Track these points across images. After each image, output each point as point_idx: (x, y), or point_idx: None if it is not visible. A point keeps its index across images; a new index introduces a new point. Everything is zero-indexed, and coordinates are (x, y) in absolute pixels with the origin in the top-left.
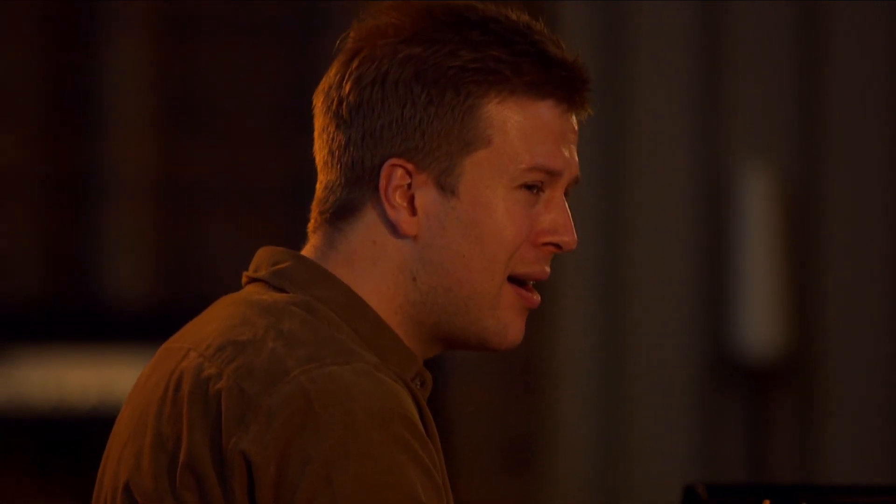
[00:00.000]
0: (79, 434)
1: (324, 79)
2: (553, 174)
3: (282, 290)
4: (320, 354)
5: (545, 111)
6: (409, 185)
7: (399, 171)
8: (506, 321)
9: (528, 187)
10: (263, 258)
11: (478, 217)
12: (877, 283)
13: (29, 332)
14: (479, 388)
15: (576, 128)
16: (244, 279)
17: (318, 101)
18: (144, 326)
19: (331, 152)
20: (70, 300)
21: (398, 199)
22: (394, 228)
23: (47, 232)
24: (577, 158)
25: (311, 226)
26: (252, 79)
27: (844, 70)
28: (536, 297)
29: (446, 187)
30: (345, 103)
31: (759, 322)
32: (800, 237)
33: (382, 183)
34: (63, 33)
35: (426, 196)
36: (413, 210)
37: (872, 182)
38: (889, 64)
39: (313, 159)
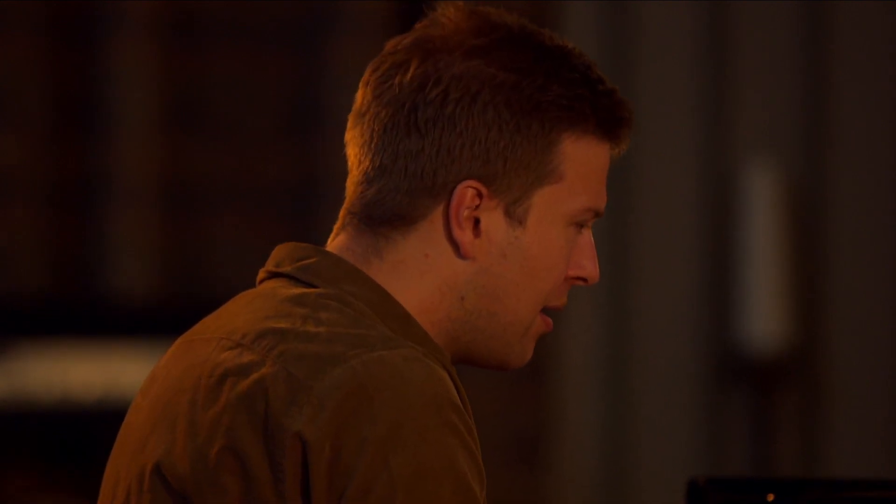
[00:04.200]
0: (83, 429)
1: (382, 72)
2: (598, 216)
3: (310, 285)
4: (368, 340)
5: (602, 153)
6: (477, 207)
7: (472, 193)
8: (528, 346)
9: (577, 225)
10: (285, 254)
11: (538, 251)
12: (881, 279)
13: (34, 327)
14: (486, 383)
15: None
16: (262, 275)
17: (377, 95)
18: (149, 323)
19: (394, 156)
20: (75, 296)
21: (465, 219)
22: (454, 247)
23: (52, 230)
24: None
25: (339, 224)
26: (257, 80)
27: (849, 67)
28: (551, 322)
29: (515, 217)
30: (422, 111)
31: (764, 318)
32: (804, 233)
33: (455, 202)
34: (68, 34)
35: (493, 222)
36: (476, 233)
37: (877, 178)
38: (894, 61)
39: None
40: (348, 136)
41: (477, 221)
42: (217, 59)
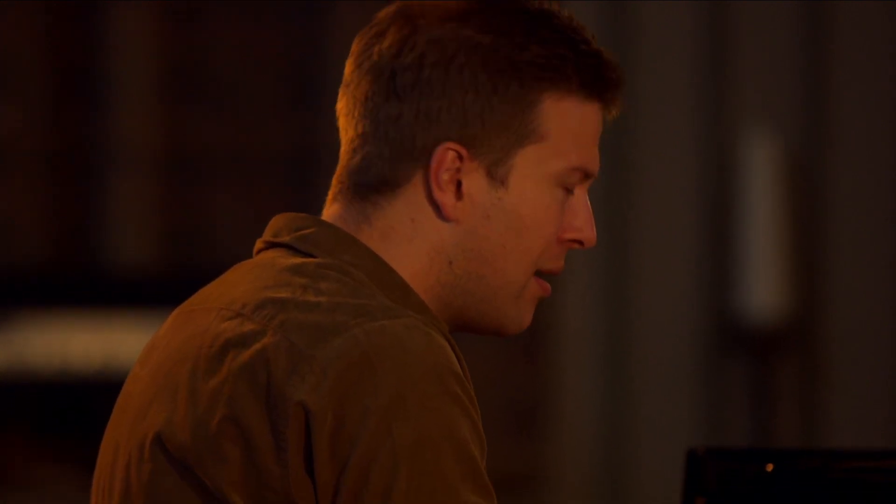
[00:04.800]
0: (82, 398)
1: (363, 38)
2: (590, 176)
3: (308, 255)
4: (369, 310)
5: (591, 113)
6: (458, 170)
7: (451, 155)
8: (525, 310)
9: (565, 185)
10: (283, 224)
11: (522, 211)
12: (881, 250)
13: (33, 298)
14: (485, 353)
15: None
16: (259, 245)
17: (359, 63)
18: (149, 293)
19: (376, 123)
20: (74, 267)
21: (446, 182)
22: (437, 210)
23: (52, 200)
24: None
25: (332, 193)
26: (257, 50)
27: (849, 39)
28: (549, 286)
29: (496, 177)
30: (399, 77)
31: (764, 289)
32: (804, 204)
33: (434, 164)
34: (67, 3)
35: (474, 183)
36: (459, 195)
37: (876, 150)
38: (894, 33)
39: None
40: (338, 107)
41: (459, 184)
42: (217, 29)
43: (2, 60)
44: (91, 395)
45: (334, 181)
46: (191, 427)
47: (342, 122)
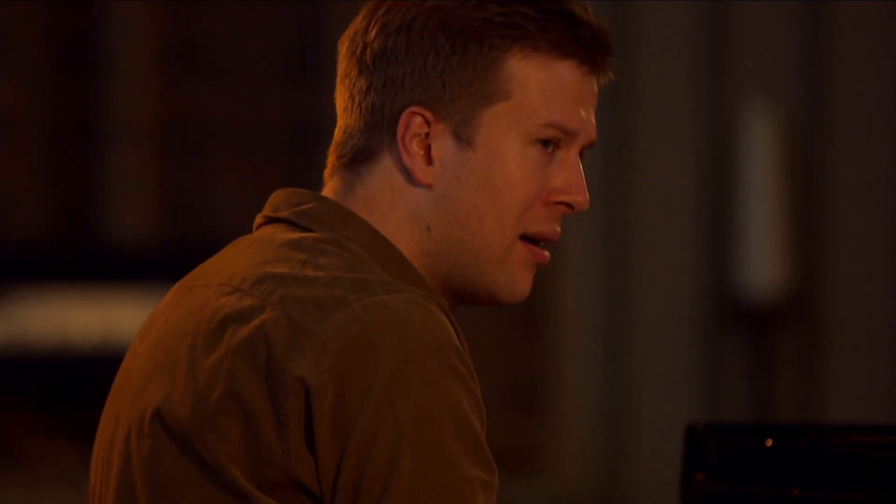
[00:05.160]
0: (81, 373)
1: (350, 26)
2: (569, 134)
3: (307, 230)
4: (368, 284)
5: (566, 71)
6: (427, 135)
7: (418, 120)
8: (514, 276)
9: (543, 144)
10: (282, 199)
11: (491, 170)
12: (880, 224)
13: (33, 272)
14: (484, 328)
15: (595, 91)
16: (259, 220)
17: (343, 48)
18: (148, 267)
19: (351, 97)
20: (74, 241)
21: (415, 147)
22: (409, 176)
23: (51, 174)
24: (594, 122)
25: (328, 171)
26: (257, 23)
27: (848, 12)
28: (546, 254)
29: (463, 138)
30: (369, 49)
31: (764, 262)
32: (803, 178)
33: (400, 130)
34: None
35: (443, 146)
36: (429, 159)
37: (876, 122)
38: (893, 6)
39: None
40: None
41: (429, 148)
42: (216, 4)
43: (1, 35)
44: (90, 370)
45: (328, 158)
46: (190, 402)
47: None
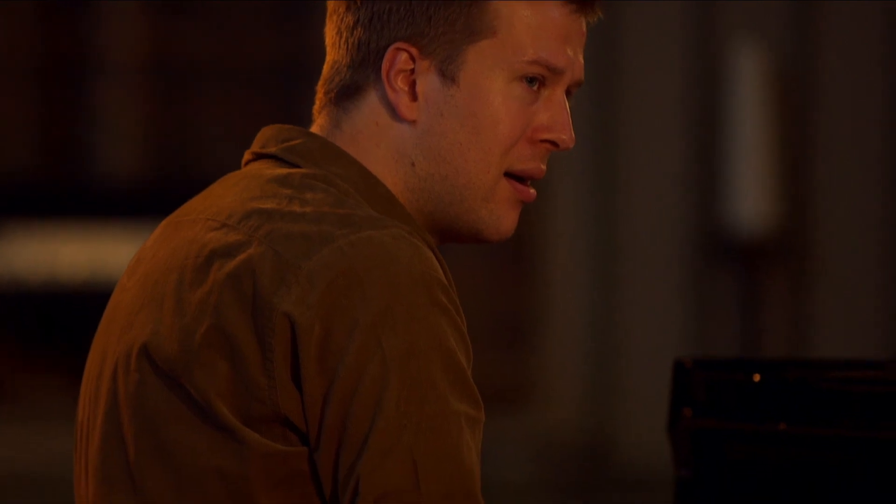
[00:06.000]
0: (70, 308)
1: None
2: (555, 71)
3: (294, 166)
4: (355, 220)
5: (553, 9)
6: (412, 71)
7: (403, 56)
8: (499, 213)
9: (529, 81)
10: (270, 135)
11: (475, 107)
12: (869, 158)
13: (21, 209)
14: (472, 265)
15: (584, 30)
16: (247, 156)
17: None
18: (136, 204)
19: (339, 33)
20: (63, 178)
21: (400, 83)
22: (394, 112)
23: (40, 111)
24: (581, 61)
25: (316, 106)
26: None
27: None
28: (532, 192)
29: (447, 75)
30: None
31: (752, 198)
32: (792, 115)
33: (385, 65)
34: None
35: (427, 82)
36: (414, 95)
37: (865, 59)
38: None
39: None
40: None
41: (414, 84)
42: None
43: None
44: (79, 305)
45: (317, 93)
46: (178, 337)
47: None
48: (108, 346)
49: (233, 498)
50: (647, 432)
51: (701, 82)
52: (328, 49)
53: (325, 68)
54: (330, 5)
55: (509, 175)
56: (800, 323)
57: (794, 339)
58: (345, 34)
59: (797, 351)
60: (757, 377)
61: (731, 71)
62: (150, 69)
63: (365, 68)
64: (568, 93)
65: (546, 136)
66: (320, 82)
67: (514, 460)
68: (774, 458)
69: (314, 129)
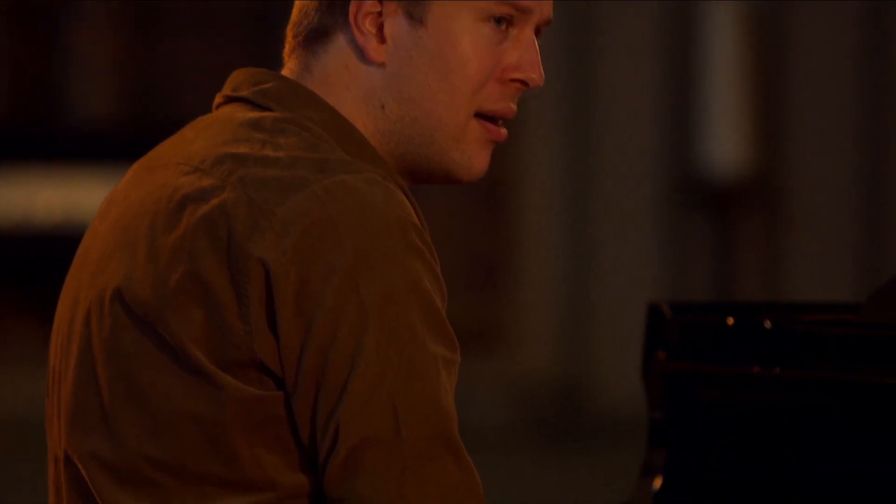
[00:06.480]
0: (43, 251)
1: None
2: (522, 11)
3: (267, 109)
4: (328, 164)
5: None
6: (380, 13)
7: None
8: (470, 154)
9: (497, 21)
10: (242, 79)
11: (443, 49)
12: (842, 105)
13: None
14: (445, 207)
15: None
16: (219, 99)
17: None
18: (110, 146)
19: None
20: (37, 121)
21: (368, 25)
22: (362, 55)
23: (14, 53)
24: None
25: (286, 50)
26: None
27: None
28: (503, 131)
29: (415, 16)
30: None
31: (726, 142)
32: (766, 60)
33: (353, 8)
34: None
35: (395, 25)
36: (382, 38)
37: (838, 3)
38: None
39: None
40: None
41: (382, 27)
42: None
43: None
44: (52, 248)
45: (286, 37)
46: (151, 283)
47: None
48: (79, 290)
49: (208, 442)
50: (621, 375)
51: (676, 27)
52: None
53: (294, 11)
54: None
55: (480, 116)
56: (773, 266)
57: (767, 283)
58: None
59: (771, 294)
60: (730, 320)
61: (707, 15)
62: (125, 12)
63: (333, 11)
64: (537, 32)
65: (515, 75)
66: (289, 25)
67: (488, 402)
68: (747, 401)
69: (284, 72)
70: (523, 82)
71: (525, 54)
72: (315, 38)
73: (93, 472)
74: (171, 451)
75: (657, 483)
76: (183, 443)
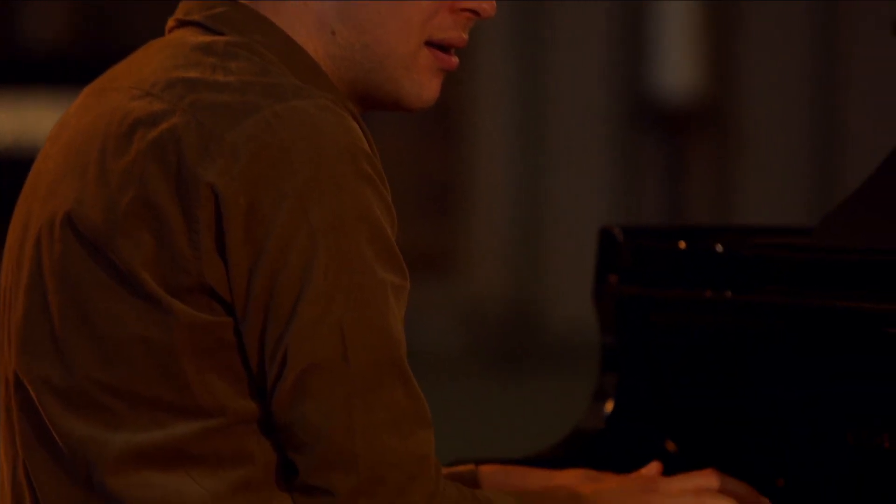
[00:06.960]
0: None
1: None
2: None
3: (218, 34)
4: (279, 90)
5: None
6: None
7: None
8: (421, 82)
9: None
10: (195, 3)
11: None
12: (794, 27)
13: None
14: (397, 133)
15: None
16: (171, 23)
17: None
18: (61, 70)
19: None
20: None
21: None
22: None
23: None
24: None
25: None
26: None
27: None
28: (454, 60)
29: None
30: None
31: (678, 67)
32: None
33: None
34: None
35: None
36: None
37: None
38: None
39: None
40: None
41: None
42: None
43: None
44: (2, 172)
45: None
46: (101, 207)
47: None
48: (30, 214)
49: (158, 367)
50: (573, 299)
51: None
52: None
53: None
54: None
55: (431, 44)
56: (725, 190)
57: (719, 206)
58: None
59: (722, 217)
60: (682, 244)
61: None
62: None
63: None
64: None
65: (467, 4)
66: None
67: (440, 327)
68: (699, 325)
69: None
70: (475, 12)
71: None
72: None
73: (43, 396)
74: (121, 377)
75: (609, 407)
76: (133, 368)
